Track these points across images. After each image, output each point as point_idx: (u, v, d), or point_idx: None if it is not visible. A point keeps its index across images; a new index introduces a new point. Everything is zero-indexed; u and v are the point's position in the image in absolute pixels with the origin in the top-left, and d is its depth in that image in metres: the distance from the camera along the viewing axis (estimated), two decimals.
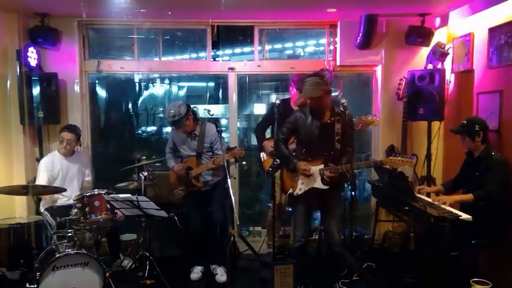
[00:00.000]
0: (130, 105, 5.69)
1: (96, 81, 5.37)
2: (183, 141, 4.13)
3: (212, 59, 5.12)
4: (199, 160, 4.05)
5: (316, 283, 3.87)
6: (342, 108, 3.37)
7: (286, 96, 4.57)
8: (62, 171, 4.07)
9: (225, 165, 3.54)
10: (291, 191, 3.54)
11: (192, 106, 4.14)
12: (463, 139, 3.48)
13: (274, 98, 5.83)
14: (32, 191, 3.52)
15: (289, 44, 5.61)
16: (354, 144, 3.56)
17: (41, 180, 3.92)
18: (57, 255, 3.24)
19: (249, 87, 5.66)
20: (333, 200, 3.59)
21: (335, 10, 4.46)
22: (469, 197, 3.35)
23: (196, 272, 4.18)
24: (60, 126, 4.33)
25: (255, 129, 4.59)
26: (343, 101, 3.39)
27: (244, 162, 5.41)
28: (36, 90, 4.37)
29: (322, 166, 3.44)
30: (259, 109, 5.89)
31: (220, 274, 4.11)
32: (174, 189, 4.20)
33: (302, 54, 5.58)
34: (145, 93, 5.73)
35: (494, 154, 3.40)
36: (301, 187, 3.51)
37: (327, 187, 3.44)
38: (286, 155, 3.55)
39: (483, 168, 3.37)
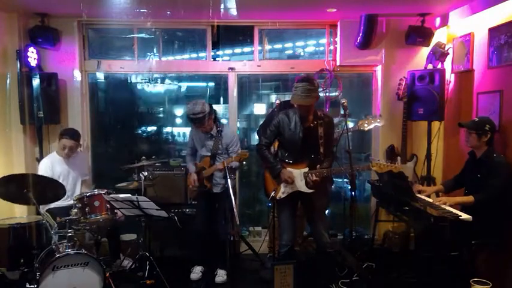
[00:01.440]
0: (130, 105, 5.68)
1: (96, 81, 5.37)
2: (201, 141, 4.14)
3: (212, 59, 5.12)
4: (212, 161, 4.05)
5: (316, 283, 3.87)
6: (342, 108, 3.38)
7: (286, 96, 4.58)
8: (63, 173, 4.08)
9: (226, 166, 3.56)
10: (273, 194, 3.51)
11: None
12: (469, 135, 3.47)
13: (274, 98, 5.83)
14: (33, 193, 3.50)
15: (289, 44, 5.61)
16: (333, 148, 3.63)
17: None
18: (57, 255, 3.25)
19: (249, 87, 5.65)
20: (317, 201, 3.59)
21: (335, 10, 4.46)
22: (469, 199, 3.36)
23: (196, 272, 4.18)
24: (61, 126, 4.34)
25: (258, 131, 4.60)
26: (343, 101, 3.39)
27: (244, 162, 5.40)
28: (36, 90, 4.37)
29: (306, 169, 3.44)
30: (259, 109, 5.89)
31: (219, 275, 4.12)
32: (188, 186, 4.25)
33: (302, 54, 5.58)
34: (145, 93, 5.73)
35: (496, 156, 3.38)
36: (284, 190, 3.51)
37: (311, 191, 3.43)
38: (269, 161, 3.54)
39: (485, 170, 3.37)
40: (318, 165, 3.44)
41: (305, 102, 3.34)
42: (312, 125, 3.46)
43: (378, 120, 4.26)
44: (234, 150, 4.02)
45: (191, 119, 3.90)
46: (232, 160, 3.82)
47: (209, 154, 4.07)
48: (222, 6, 3.98)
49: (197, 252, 4.24)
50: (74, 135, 4.10)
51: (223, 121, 5.27)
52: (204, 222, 4.14)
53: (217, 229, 4.10)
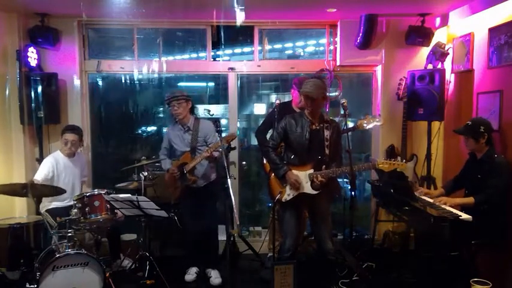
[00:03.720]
0: (130, 105, 5.68)
1: (96, 81, 5.37)
2: (177, 136, 4.11)
3: (212, 59, 5.12)
4: (193, 155, 4.02)
5: (316, 283, 3.86)
6: (342, 108, 3.38)
7: (286, 96, 4.58)
8: (65, 171, 4.09)
9: (225, 165, 3.54)
10: (278, 196, 3.49)
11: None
12: (467, 140, 3.46)
13: (274, 98, 5.83)
14: (31, 191, 3.51)
15: (289, 44, 5.61)
16: (341, 153, 3.61)
17: (37, 176, 3.93)
18: (57, 255, 3.25)
19: (249, 87, 5.65)
20: (323, 205, 3.57)
21: (335, 10, 4.46)
22: (470, 200, 3.35)
23: (191, 274, 4.15)
24: (60, 126, 4.34)
25: (256, 132, 4.60)
26: (343, 101, 3.40)
27: (244, 162, 5.41)
28: (36, 90, 4.37)
29: (311, 171, 3.43)
30: (259, 109, 5.88)
31: (214, 277, 4.09)
32: (169, 188, 4.14)
33: (302, 54, 5.58)
34: (145, 93, 5.73)
35: (497, 156, 3.36)
36: (289, 193, 3.49)
37: (317, 192, 3.43)
38: (276, 162, 3.53)
39: (486, 171, 3.35)
40: (324, 167, 3.43)
41: (314, 94, 3.35)
42: (318, 127, 3.47)
43: (377, 120, 4.26)
44: (212, 141, 3.99)
45: (169, 97, 4.04)
46: (219, 145, 3.73)
47: (188, 149, 4.04)
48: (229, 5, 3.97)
49: (190, 253, 4.21)
50: (74, 129, 4.13)
51: (223, 121, 5.30)
52: (192, 221, 4.08)
53: (206, 227, 4.07)
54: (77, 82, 4.81)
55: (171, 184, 4.11)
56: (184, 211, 4.21)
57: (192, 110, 4.14)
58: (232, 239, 4.54)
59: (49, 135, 4.73)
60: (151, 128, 5.85)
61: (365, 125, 4.20)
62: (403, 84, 4.58)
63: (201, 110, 4.76)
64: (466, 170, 3.67)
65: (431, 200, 3.59)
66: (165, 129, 5.78)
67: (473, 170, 3.52)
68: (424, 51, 4.70)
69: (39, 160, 4.46)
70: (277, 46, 5.52)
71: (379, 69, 4.98)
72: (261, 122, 4.68)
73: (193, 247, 4.16)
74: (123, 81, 5.49)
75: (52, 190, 3.72)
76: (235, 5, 3.83)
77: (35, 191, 3.51)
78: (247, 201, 5.60)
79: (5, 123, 4.50)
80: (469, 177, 3.57)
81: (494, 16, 3.79)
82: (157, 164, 4.56)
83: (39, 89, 4.38)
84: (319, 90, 3.36)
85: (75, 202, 3.66)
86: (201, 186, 4.06)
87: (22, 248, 3.59)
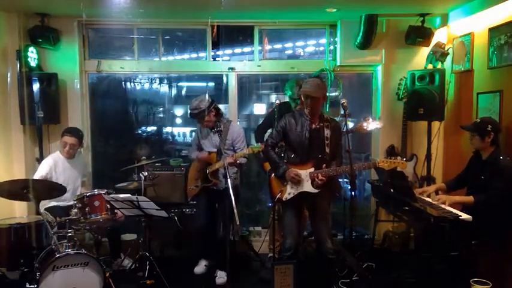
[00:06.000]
0: (130, 105, 5.69)
1: (96, 81, 5.37)
2: (206, 136, 4.15)
3: (212, 59, 5.12)
4: (219, 157, 4.03)
5: (316, 283, 3.86)
6: (342, 108, 3.38)
7: (287, 97, 4.58)
8: (65, 172, 4.09)
9: (226, 165, 3.54)
10: (279, 195, 3.49)
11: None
12: (473, 137, 3.45)
13: (274, 98, 5.83)
14: (32, 189, 3.50)
15: (289, 44, 5.61)
16: (341, 152, 3.60)
17: (36, 176, 3.93)
18: (57, 255, 3.24)
19: (249, 87, 5.65)
20: (323, 204, 3.56)
21: (335, 10, 4.46)
22: (469, 199, 3.34)
23: (201, 265, 4.19)
24: (60, 126, 4.35)
25: (255, 131, 4.59)
26: (343, 101, 3.39)
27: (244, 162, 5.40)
28: (36, 90, 4.37)
29: (312, 170, 3.43)
30: (259, 109, 5.89)
31: (219, 276, 4.11)
32: (190, 183, 4.20)
33: (302, 54, 5.58)
34: (145, 93, 5.73)
35: (503, 159, 3.32)
36: (290, 191, 3.48)
37: (317, 191, 3.43)
38: (275, 161, 3.53)
39: (490, 173, 3.32)
40: (324, 165, 3.43)
41: (313, 93, 3.35)
42: (318, 126, 3.47)
43: (377, 123, 4.25)
44: (240, 147, 4.02)
45: (189, 114, 4.02)
46: (243, 154, 3.81)
47: (215, 150, 4.06)
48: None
49: (201, 247, 4.25)
50: (74, 132, 4.12)
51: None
52: (205, 220, 4.12)
53: (218, 228, 4.09)
54: (77, 82, 4.81)
55: (193, 178, 4.16)
56: (201, 209, 4.24)
57: (219, 114, 4.08)
58: (232, 239, 4.54)
59: (49, 135, 4.74)
60: (152, 128, 5.85)
61: (364, 127, 4.19)
62: (403, 84, 4.58)
63: None
64: (469, 169, 3.65)
65: (431, 200, 3.59)
66: (165, 129, 5.82)
67: (476, 170, 3.49)
68: (424, 51, 4.70)
69: (39, 160, 4.46)
70: (277, 46, 5.52)
71: (379, 69, 4.98)
72: (261, 121, 4.69)
73: (205, 243, 4.18)
74: (123, 81, 5.50)
75: (52, 187, 3.70)
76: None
77: (35, 188, 3.48)
78: (247, 201, 5.60)
79: (5, 123, 4.50)
80: (472, 177, 3.55)
81: (494, 16, 3.79)
82: (157, 164, 4.57)
83: (39, 89, 4.38)
84: (318, 89, 3.37)
85: (75, 202, 3.66)
86: (221, 189, 4.04)
87: (22, 248, 3.58)
